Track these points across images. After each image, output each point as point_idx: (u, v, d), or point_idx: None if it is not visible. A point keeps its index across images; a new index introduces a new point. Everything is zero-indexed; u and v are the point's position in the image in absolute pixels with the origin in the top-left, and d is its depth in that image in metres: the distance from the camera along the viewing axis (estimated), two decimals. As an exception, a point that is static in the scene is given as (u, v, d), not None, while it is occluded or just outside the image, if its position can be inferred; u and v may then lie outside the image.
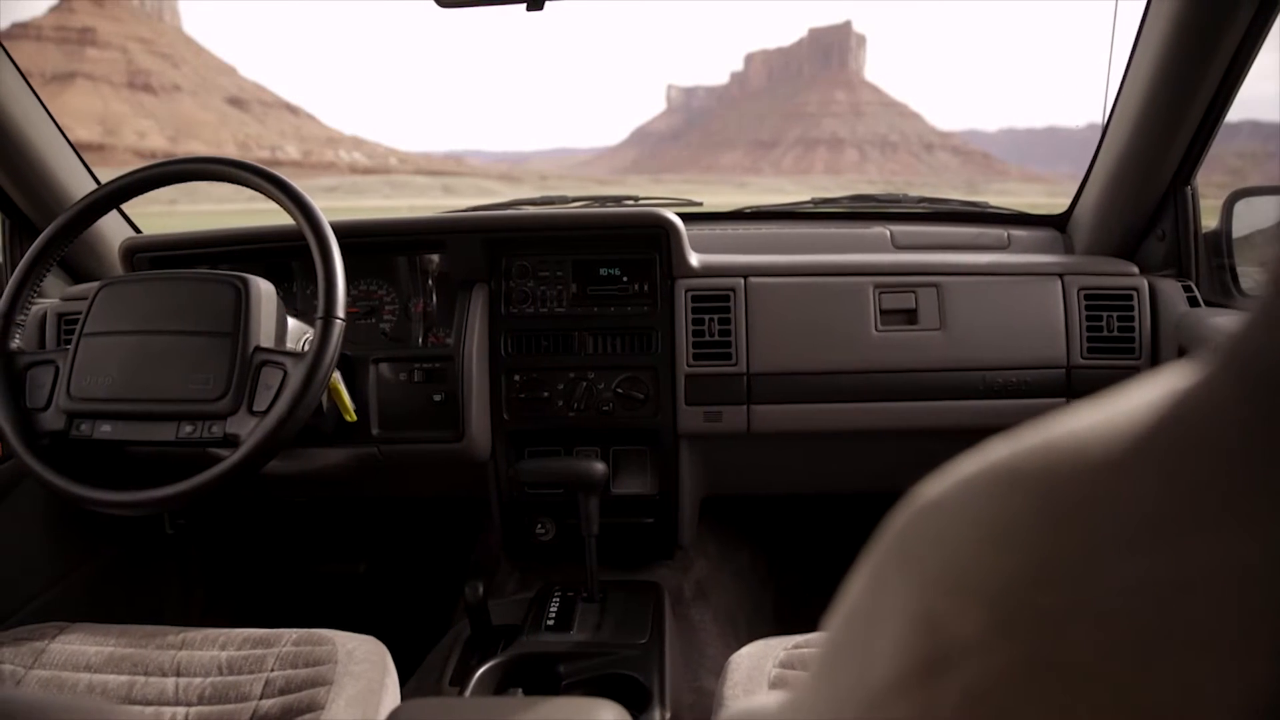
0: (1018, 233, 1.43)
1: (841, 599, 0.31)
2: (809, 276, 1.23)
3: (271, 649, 0.99)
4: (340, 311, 0.96)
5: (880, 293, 1.22)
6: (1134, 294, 1.21)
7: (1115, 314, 1.21)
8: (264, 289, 1.01)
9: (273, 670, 0.97)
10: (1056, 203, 1.48)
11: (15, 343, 1.04)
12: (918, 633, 0.22)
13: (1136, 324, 1.20)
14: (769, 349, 1.21)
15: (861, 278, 1.23)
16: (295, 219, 1.00)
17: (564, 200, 1.58)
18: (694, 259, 1.24)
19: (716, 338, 1.21)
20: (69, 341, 1.29)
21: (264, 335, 0.99)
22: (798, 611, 1.54)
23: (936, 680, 0.21)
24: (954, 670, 0.20)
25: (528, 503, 1.29)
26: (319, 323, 0.95)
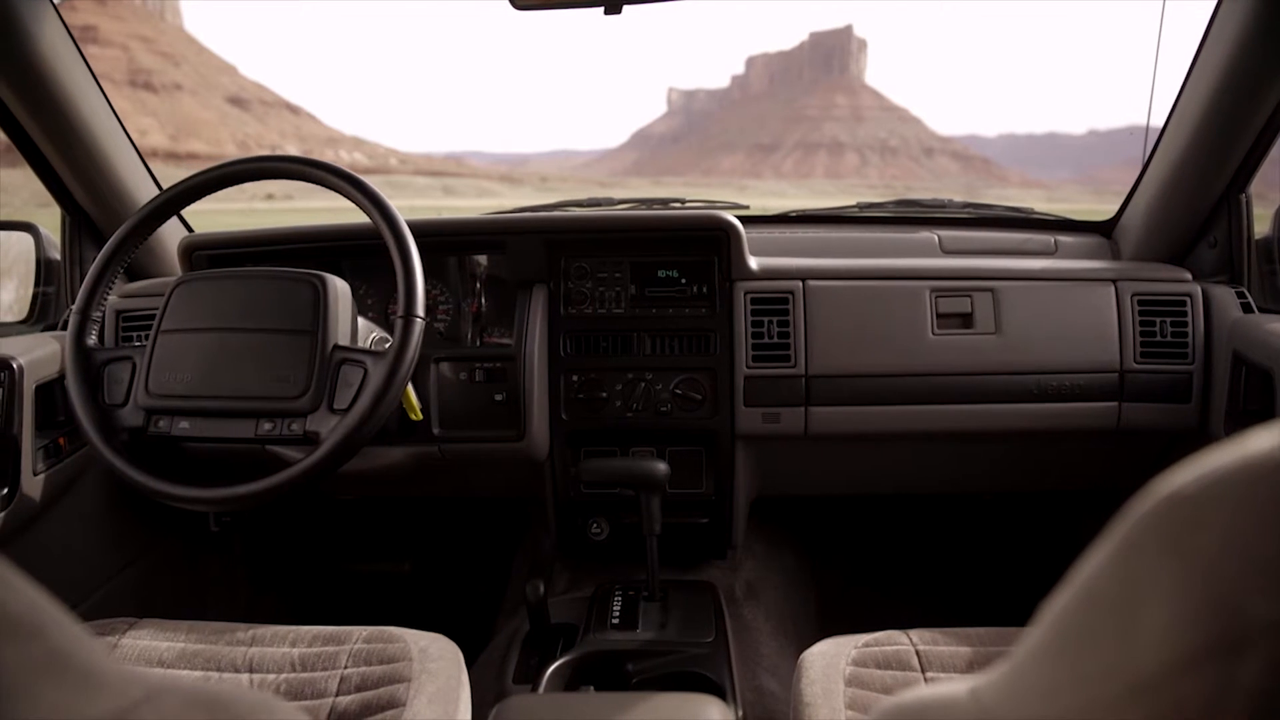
0: (1064, 238, 1.44)
1: (1071, 590, 0.32)
2: (866, 280, 1.24)
3: (343, 646, 1.00)
4: (420, 310, 0.96)
5: (936, 297, 1.23)
6: (1187, 300, 1.23)
7: (1169, 319, 1.22)
8: (340, 287, 1.01)
9: (346, 667, 0.98)
10: (1058, 209, 1.49)
11: (91, 339, 1.05)
12: (1208, 615, 0.23)
13: (1190, 329, 1.22)
14: (827, 351, 1.22)
15: (918, 282, 1.24)
16: (372, 218, 1.00)
17: (610, 202, 1.59)
18: (753, 262, 1.25)
19: (775, 340, 1.22)
20: (127, 338, 1.31)
21: (341, 334, 1.00)
22: (844, 610, 1.55)
23: (1236, 657, 0.22)
24: (1254, 648, 0.22)
25: (584, 502, 1.30)
26: (399, 321, 0.96)
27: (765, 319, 1.23)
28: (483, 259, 1.38)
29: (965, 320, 1.24)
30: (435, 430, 1.19)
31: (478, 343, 1.36)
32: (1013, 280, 1.24)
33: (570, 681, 1.03)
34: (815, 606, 1.58)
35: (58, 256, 1.40)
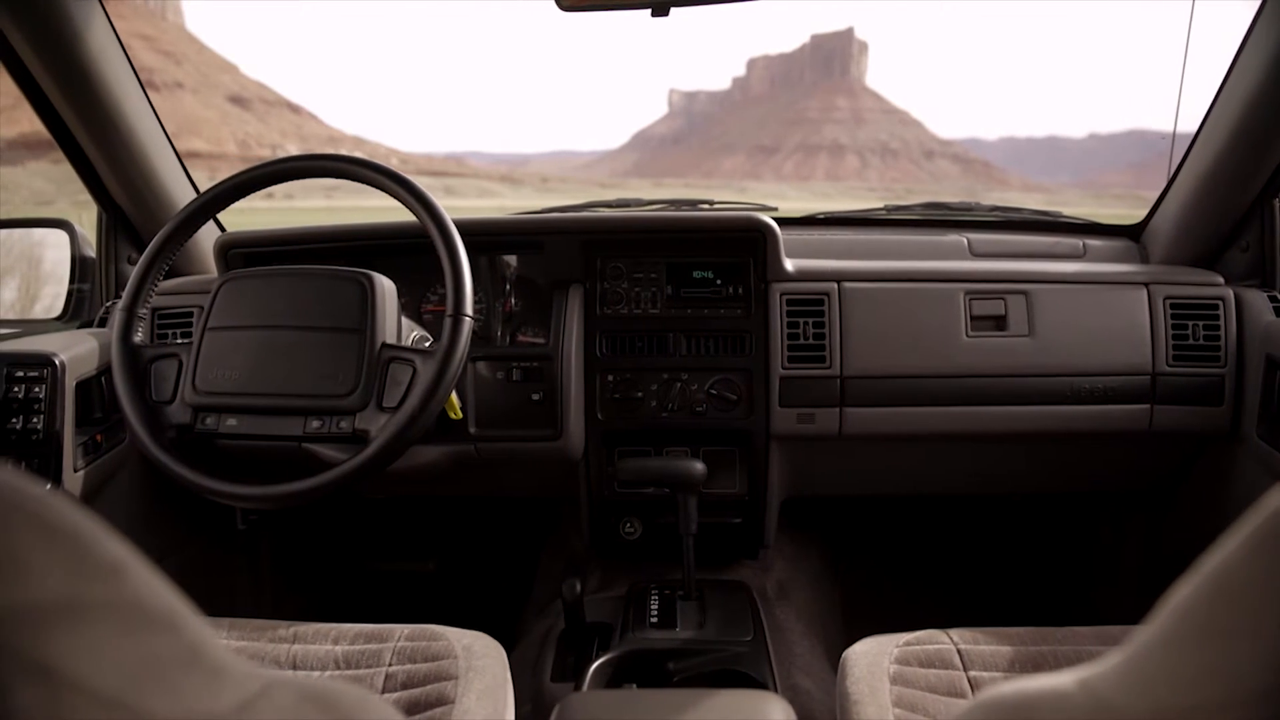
0: (1092, 242, 1.45)
1: (1199, 582, 0.33)
2: (901, 282, 1.25)
3: (386, 644, 1.01)
4: (469, 309, 0.97)
5: (970, 299, 1.24)
6: (1220, 303, 1.23)
7: (1200, 323, 1.23)
8: (387, 286, 1.02)
9: (391, 665, 0.99)
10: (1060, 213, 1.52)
11: (138, 336, 1.05)
12: None
13: (1222, 333, 1.22)
14: (862, 353, 1.23)
15: (952, 284, 1.25)
16: (420, 218, 1.01)
17: (640, 203, 1.60)
18: (788, 263, 1.25)
19: (811, 341, 1.23)
20: (163, 335, 1.31)
21: (388, 332, 1.00)
22: (869, 610, 1.56)
23: None
24: None
25: (617, 502, 1.30)
26: (449, 320, 0.96)
27: (801, 320, 1.23)
28: (512, 259, 1.39)
29: (999, 323, 1.25)
30: (471, 429, 1.20)
31: (507, 342, 1.36)
32: (1047, 283, 1.25)
33: (611, 680, 1.03)
34: (840, 607, 1.58)
35: (92, 254, 1.41)
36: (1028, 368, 1.23)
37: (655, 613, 1.15)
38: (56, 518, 0.24)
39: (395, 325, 1.03)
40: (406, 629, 1.03)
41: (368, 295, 0.99)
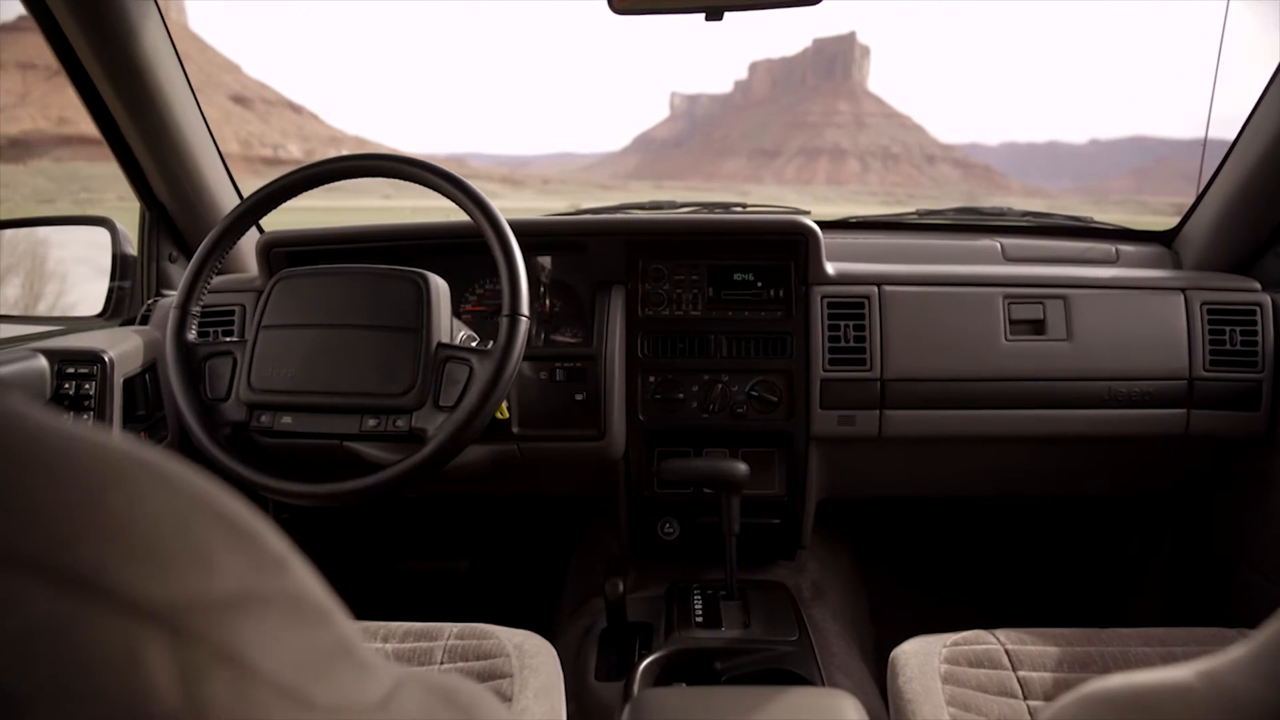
0: (1125, 247, 1.46)
1: None
2: (941, 286, 1.26)
3: (436, 642, 1.02)
4: (525, 309, 0.98)
5: (1009, 303, 1.25)
6: (1257, 309, 1.24)
7: (1238, 328, 1.24)
8: (441, 286, 1.03)
9: (442, 663, 1.00)
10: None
11: (191, 334, 1.06)
12: None
13: (1260, 338, 1.24)
14: (902, 355, 1.24)
15: (991, 289, 1.26)
16: (474, 218, 1.02)
17: (673, 205, 1.61)
18: (829, 267, 1.26)
19: (852, 343, 1.24)
20: (204, 333, 1.32)
21: (443, 331, 1.01)
22: (898, 612, 1.57)
23: None
24: None
25: (657, 502, 1.31)
26: (505, 320, 0.97)
27: (842, 323, 1.24)
28: (546, 260, 1.39)
29: (1037, 327, 1.26)
30: (514, 429, 1.21)
31: (541, 342, 1.37)
32: (1085, 288, 1.26)
33: (659, 678, 1.04)
34: (868, 608, 1.59)
35: (133, 252, 1.41)
36: (1066, 372, 1.24)
37: (700, 612, 1.16)
38: (234, 513, 0.25)
39: (449, 324, 1.03)
40: (455, 627, 1.04)
41: (423, 294, 1.00)
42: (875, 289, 1.26)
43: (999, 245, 1.46)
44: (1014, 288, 1.26)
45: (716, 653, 1.07)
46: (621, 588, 1.15)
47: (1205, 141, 1.48)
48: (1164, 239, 1.48)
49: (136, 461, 0.24)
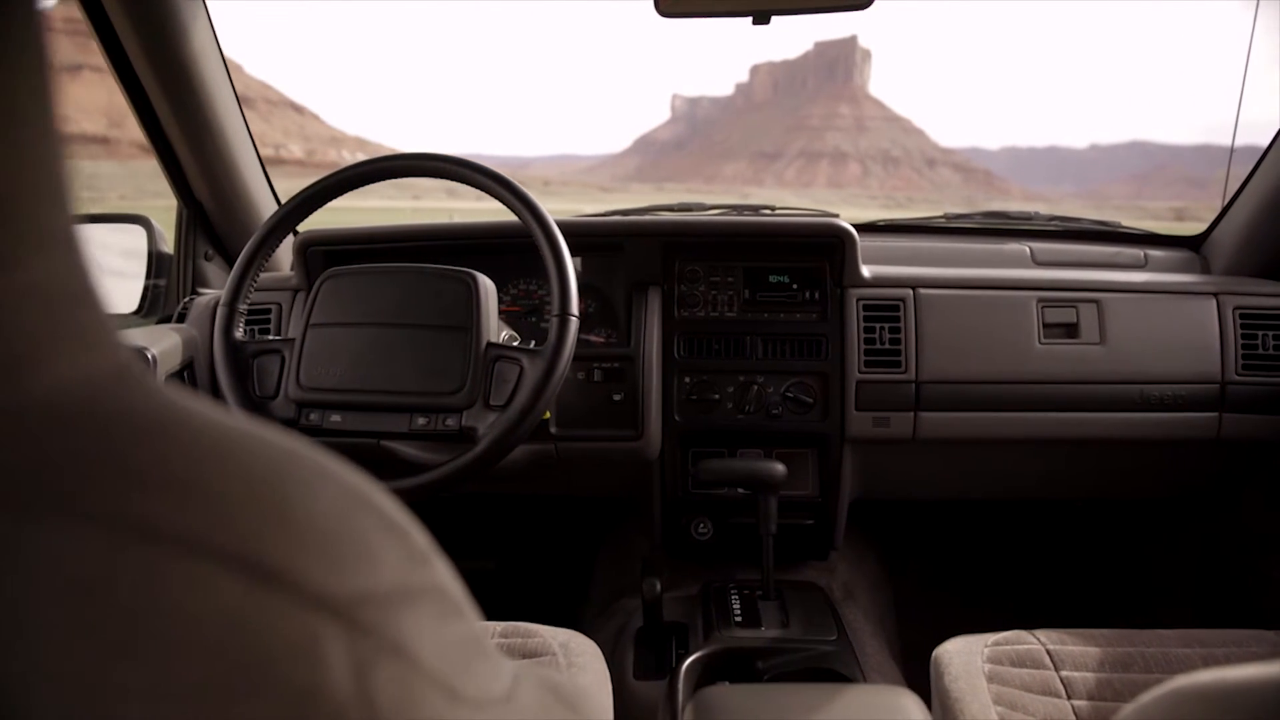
0: (1153, 252, 1.47)
1: None
2: (975, 289, 1.27)
3: None
4: (575, 309, 0.98)
5: (1043, 307, 1.26)
6: None
7: (1270, 333, 1.25)
8: (489, 285, 1.03)
9: None
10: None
11: (239, 332, 1.07)
12: None
13: None
14: (937, 358, 1.25)
15: (1025, 292, 1.27)
16: (522, 218, 1.02)
17: (702, 207, 1.61)
18: (865, 269, 1.27)
19: (887, 346, 1.25)
20: (245, 333, 1.33)
21: (491, 331, 1.02)
22: (924, 613, 1.58)
23: None
24: None
25: (692, 502, 1.32)
26: (555, 320, 0.98)
27: (878, 325, 1.25)
28: (576, 261, 1.40)
29: (1070, 330, 1.27)
30: (553, 429, 1.21)
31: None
32: (1118, 293, 1.27)
33: (702, 677, 1.05)
34: (894, 608, 1.60)
35: (169, 250, 1.42)
36: (1099, 375, 1.25)
37: (739, 612, 1.16)
38: (387, 507, 0.26)
39: (496, 324, 1.04)
40: (498, 625, 1.04)
41: (472, 294, 1.00)
42: (910, 292, 1.27)
43: (1028, 249, 1.47)
44: (1047, 291, 1.27)
45: (758, 652, 1.07)
46: (659, 588, 1.16)
47: (1231, 150, 1.49)
48: (1192, 244, 1.49)
49: (301, 456, 0.25)
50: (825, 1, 0.98)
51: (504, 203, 1.04)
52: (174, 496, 0.21)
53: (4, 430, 0.21)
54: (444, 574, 0.27)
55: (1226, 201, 1.41)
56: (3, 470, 0.20)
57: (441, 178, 1.06)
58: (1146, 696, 0.47)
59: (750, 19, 1.02)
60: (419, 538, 0.26)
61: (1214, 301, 1.27)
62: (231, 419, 0.24)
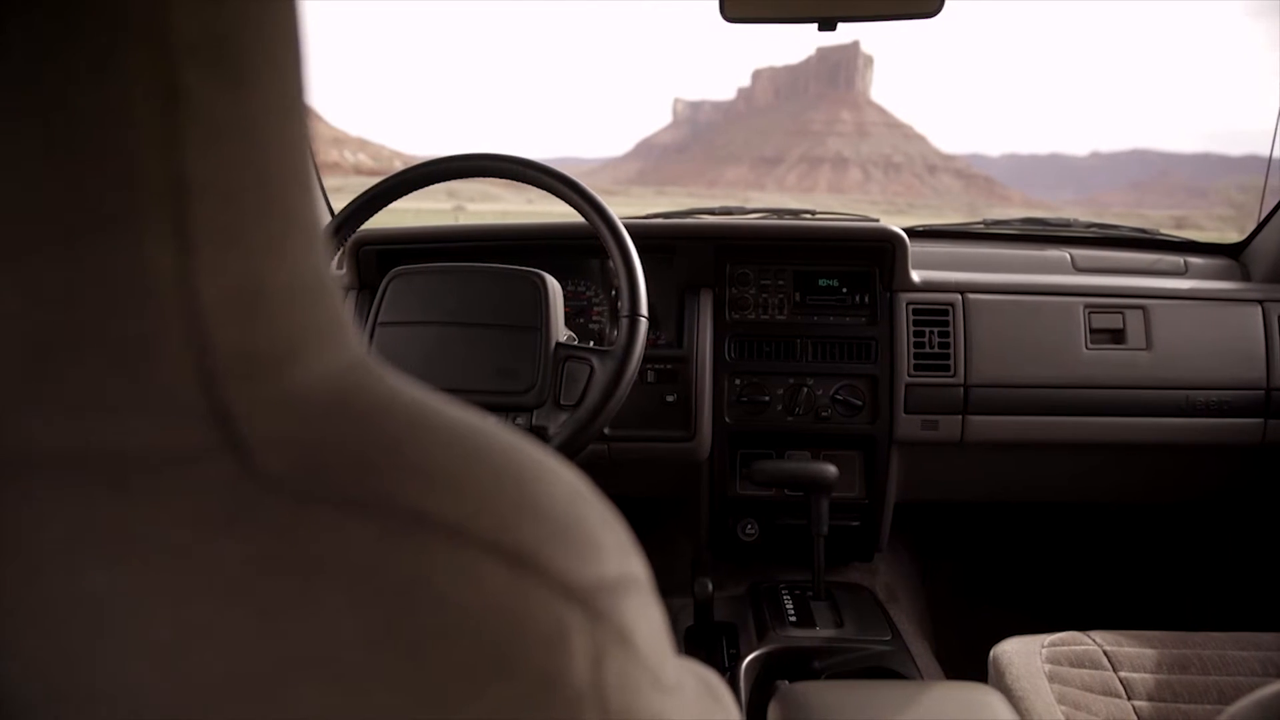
0: (1194, 260, 1.49)
1: None
2: (1023, 295, 1.29)
3: None
4: (644, 310, 1.00)
5: (1090, 313, 1.28)
6: None
7: None
8: (556, 286, 1.04)
9: None
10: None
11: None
12: None
13: None
14: (985, 362, 1.26)
15: (1072, 298, 1.29)
16: (590, 220, 1.03)
17: (743, 211, 1.63)
18: (914, 274, 1.29)
19: (936, 349, 1.26)
20: None
21: (559, 331, 1.03)
22: (971, 613, 1.59)
23: None
24: None
25: (740, 503, 1.33)
26: (625, 320, 0.99)
27: (927, 329, 1.27)
28: None
29: (1116, 336, 1.28)
30: (606, 430, 1.23)
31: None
32: (1164, 299, 1.29)
33: (760, 676, 1.06)
34: (931, 610, 1.61)
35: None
36: (1145, 380, 1.27)
37: (792, 612, 1.18)
38: (601, 501, 0.26)
39: (562, 325, 1.05)
40: None
41: (541, 294, 1.02)
42: (959, 296, 1.28)
43: (1069, 255, 1.48)
44: (1094, 297, 1.29)
45: (815, 651, 1.09)
46: (710, 587, 1.17)
47: (1270, 158, 1.50)
48: (1231, 252, 1.51)
49: (528, 448, 0.25)
50: (892, 9, 1.00)
51: (571, 204, 1.05)
52: (439, 485, 0.22)
53: (275, 420, 0.22)
54: (642, 563, 0.27)
55: (1267, 212, 1.43)
56: (276, 460, 0.21)
57: (507, 178, 1.07)
58: (1253, 698, 0.48)
59: (816, 25, 1.04)
60: (625, 532, 0.27)
61: (1259, 309, 1.29)
62: (461, 410, 0.25)
